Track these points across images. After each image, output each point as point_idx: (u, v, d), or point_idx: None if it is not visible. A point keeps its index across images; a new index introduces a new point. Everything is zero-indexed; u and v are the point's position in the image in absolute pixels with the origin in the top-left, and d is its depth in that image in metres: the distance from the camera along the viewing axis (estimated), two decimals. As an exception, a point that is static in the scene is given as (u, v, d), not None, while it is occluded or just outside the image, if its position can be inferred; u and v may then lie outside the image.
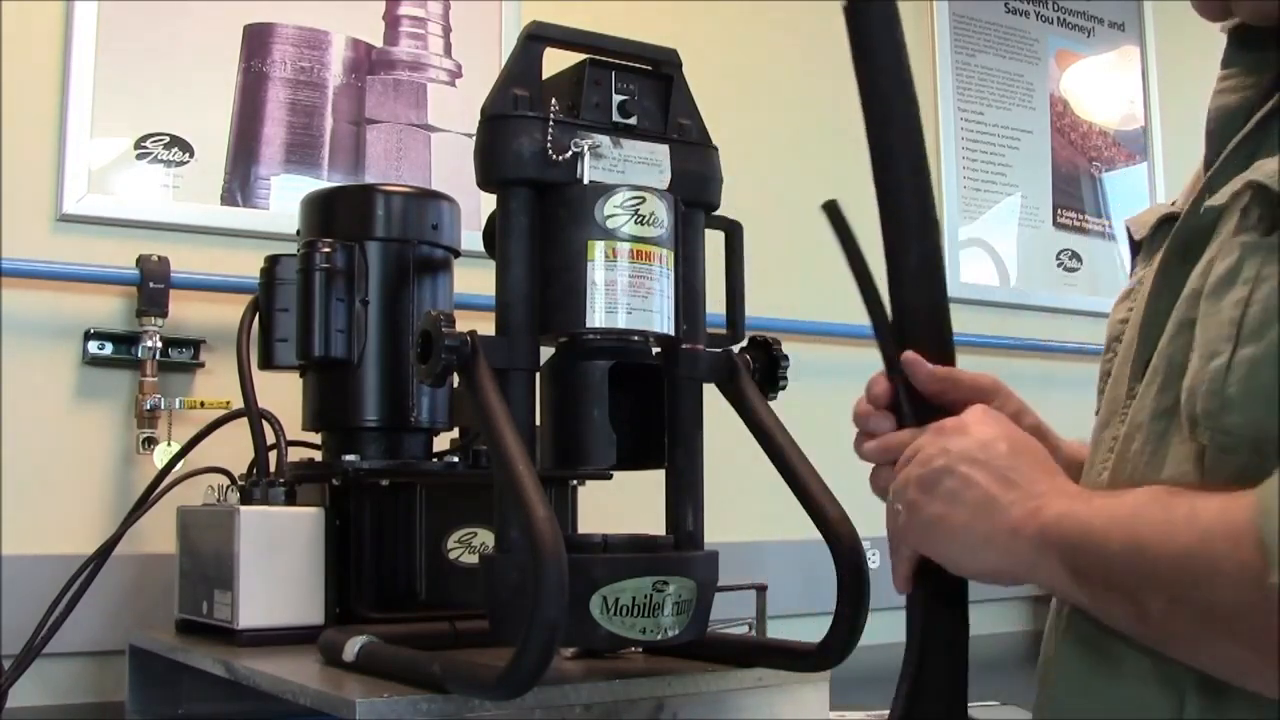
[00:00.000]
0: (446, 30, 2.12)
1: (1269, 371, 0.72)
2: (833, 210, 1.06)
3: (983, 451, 0.84)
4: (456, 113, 2.09)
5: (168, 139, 1.86)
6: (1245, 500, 0.69)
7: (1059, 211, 2.84)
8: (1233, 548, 0.68)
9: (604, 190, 1.12)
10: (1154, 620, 0.74)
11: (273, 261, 1.51)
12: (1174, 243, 0.85)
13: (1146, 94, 3.02)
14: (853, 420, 1.00)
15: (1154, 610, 0.73)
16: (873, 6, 0.94)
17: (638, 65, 1.21)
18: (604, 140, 1.16)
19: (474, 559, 1.41)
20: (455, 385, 1.13)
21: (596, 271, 1.11)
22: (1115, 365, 0.92)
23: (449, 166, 2.06)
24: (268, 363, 1.51)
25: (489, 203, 1.18)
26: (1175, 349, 0.80)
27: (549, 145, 1.13)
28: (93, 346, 1.76)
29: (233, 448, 1.58)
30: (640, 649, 1.20)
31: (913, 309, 0.99)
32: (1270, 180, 0.74)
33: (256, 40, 1.95)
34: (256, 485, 1.42)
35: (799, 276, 2.44)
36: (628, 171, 1.16)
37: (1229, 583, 0.68)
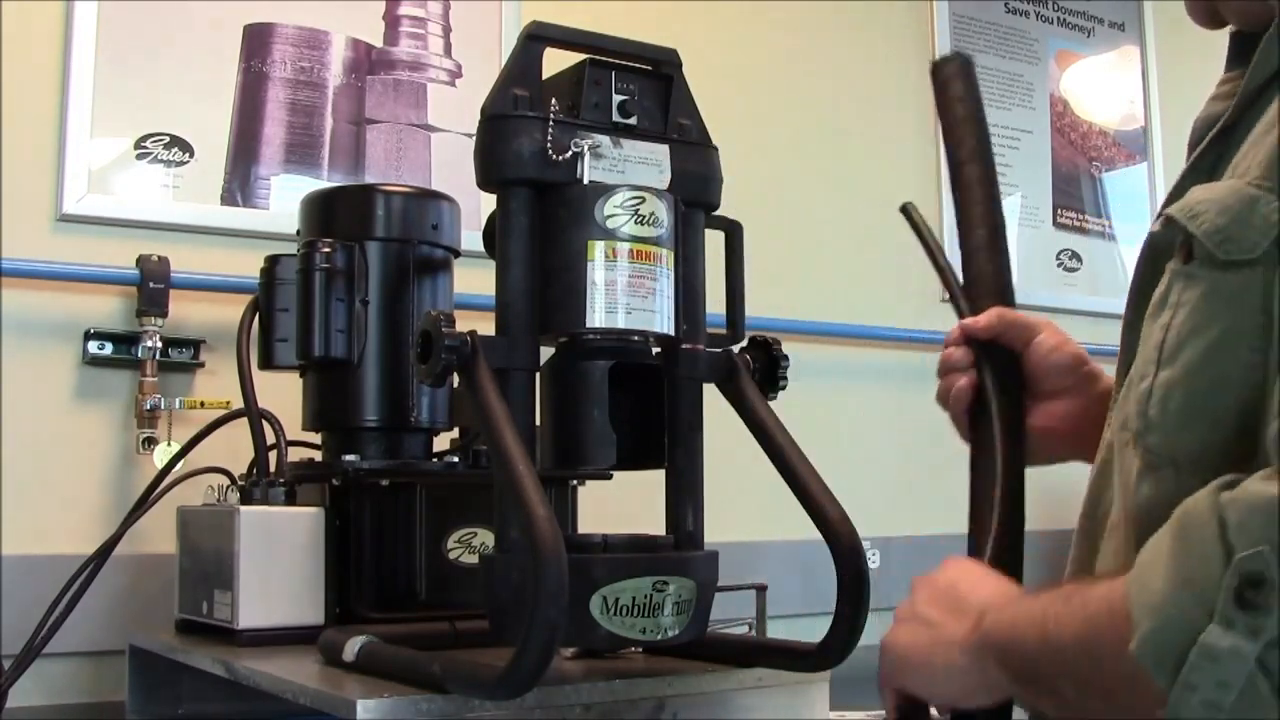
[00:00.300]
0: (446, 30, 2.12)
1: (1179, 393, 0.75)
2: (908, 212, 1.31)
3: (942, 592, 0.90)
4: (456, 113, 2.09)
5: (168, 139, 1.86)
6: (1128, 575, 0.69)
7: (1059, 211, 2.84)
8: (1110, 623, 0.68)
9: (604, 190, 1.12)
10: (1073, 708, 0.75)
11: (273, 261, 1.51)
12: (1142, 257, 0.87)
13: (1146, 94, 3.02)
14: (937, 371, 1.16)
15: (1070, 698, 0.74)
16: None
17: (638, 65, 1.21)
18: (604, 140, 1.16)
19: (474, 559, 1.41)
20: (455, 385, 1.13)
21: (596, 271, 1.11)
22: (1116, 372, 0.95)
23: (449, 166, 2.06)
24: (268, 363, 1.51)
25: (489, 203, 1.18)
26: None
27: (549, 145, 1.13)
28: (93, 346, 1.76)
29: (233, 448, 1.58)
30: (640, 649, 1.20)
31: (979, 276, 1.17)
32: (1180, 214, 0.77)
33: (256, 40, 1.95)
34: (256, 485, 1.42)
35: (799, 276, 2.44)
36: (628, 171, 1.16)
37: (1112, 658, 0.68)
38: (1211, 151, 0.84)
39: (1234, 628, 0.61)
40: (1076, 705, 0.74)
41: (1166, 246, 0.81)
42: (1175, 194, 0.84)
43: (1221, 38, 1.07)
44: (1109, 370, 1.00)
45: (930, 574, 0.93)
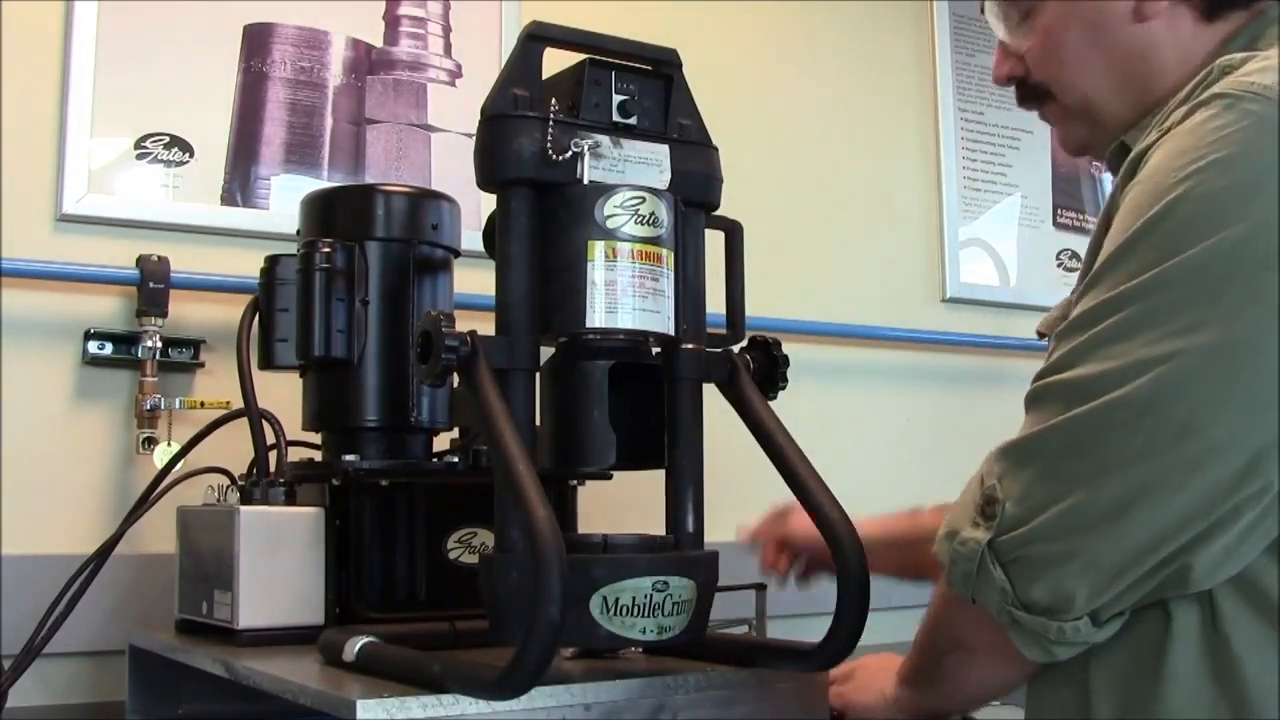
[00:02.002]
0: (446, 30, 2.12)
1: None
2: None
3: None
4: (456, 113, 2.09)
5: (168, 139, 1.86)
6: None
7: (1059, 211, 2.84)
8: (939, 585, 1.06)
9: (604, 190, 1.12)
10: (949, 672, 1.12)
11: (273, 261, 1.51)
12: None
13: (1146, 94, 3.02)
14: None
15: (949, 666, 1.11)
16: None
17: (638, 65, 1.21)
18: (604, 140, 1.16)
19: (474, 559, 1.41)
20: (455, 385, 1.13)
21: (596, 271, 1.11)
22: None
23: (449, 166, 2.06)
24: (268, 363, 1.51)
25: (489, 203, 1.18)
26: None
27: (549, 145, 1.13)
28: (93, 346, 1.76)
29: (233, 448, 1.58)
30: (640, 649, 1.20)
31: None
32: (1044, 327, 1.12)
33: (256, 40, 1.95)
34: (256, 485, 1.42)
35: (799, 276, 2.44)
36: (628, 171, 1.16)
37: (947, 609, 1.08)
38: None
39: (977, 527, 0.95)
40: (941, 668, 1.11)
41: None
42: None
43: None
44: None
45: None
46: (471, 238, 1.42)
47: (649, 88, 1.21)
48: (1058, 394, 0.93)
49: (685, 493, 1.19)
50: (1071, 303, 0.99)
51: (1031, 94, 1.21)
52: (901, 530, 1.41)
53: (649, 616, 1.08)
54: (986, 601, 0.95)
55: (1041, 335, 1.12)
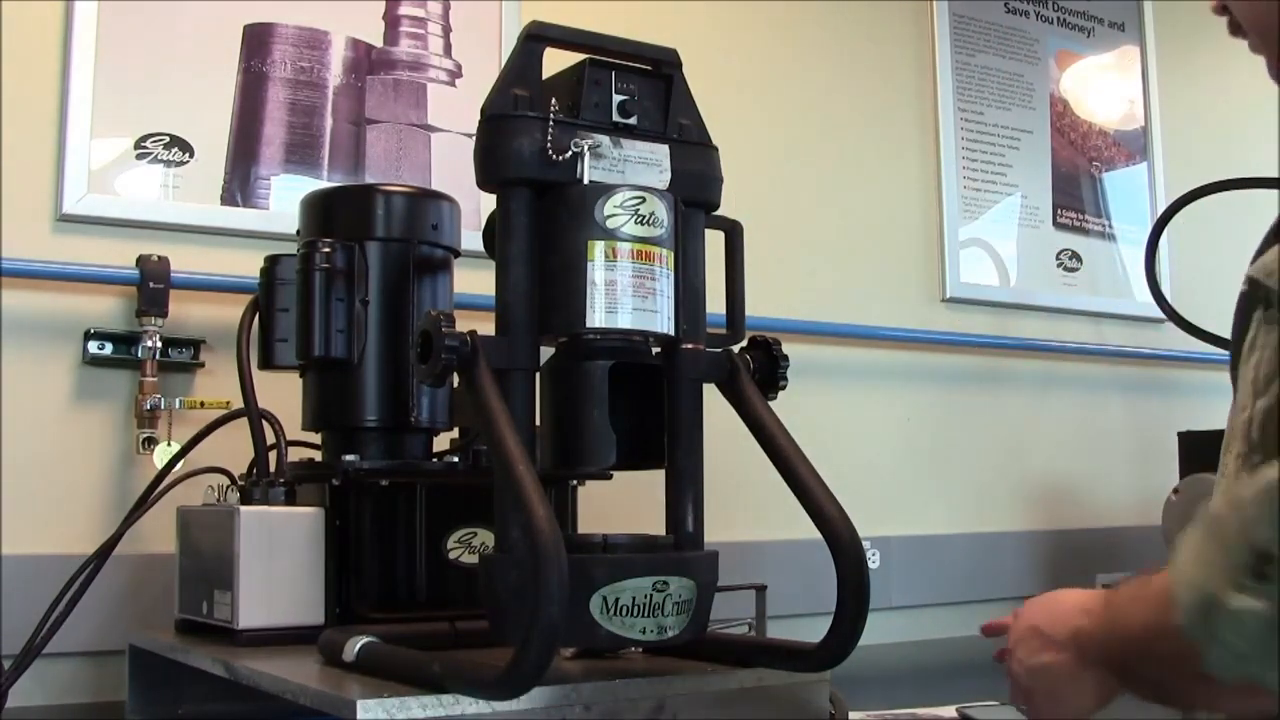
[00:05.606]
0: (446, 30, 2.12)
1: (1276, 416, 0.82)
2: None
3: (1032, 637, 1.04)
4: (456, 113, 2.09)
5: (168, 139, 1.86)
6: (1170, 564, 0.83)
7: (1059, 211, 2.84)
8: (1160, 604, 0.83)
9: (604, 190, 1.12)
10: (1164, 686, 0.89)
11: (273, 261, 1.51)
12: (1237, 311, 0.95)
13: (1146, 94, 3.02)
14: None
15: (1154, 678, 0.89)
16: None
17: (638, 65, 1.21)
18: (604, 140, 1.16)
19: (474, 559, 1.41)
20: (455, 385, 1.13)
21: (597, 271, 1.11)
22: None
23: (449, 166, 2.06)
24: (268, 363, 1.51)
25: (489, 203, 1.18)
26: None
27: (549, 145, 1.13)
28: (93, 346, 1.76)
29: (233, 448, 1.58)
30: (640, 649, 1.20)
31: None
32: (1258, 274, 0.88)
33: (256, 40, 1.95)
34: (256, 485, 1.42)
35: (799, 276, 2.44)
36: (628, 171, 1.16)
37: (1169, 636, 0.81)
38: None
39: (1246, 592, 0.75)
40: (1163, 683, 0.89)
41: (1253, 301, 0.89)
42: (1263, 247, 0.93)
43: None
44: None
45: (1016, 625, 1.06)
46: (471, 238, 1.42)
47: (649, 88, 1.21)
48: None
49: (685, 493, 1.19)
50: None
51: (1231, 24, 1.07)
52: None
53: (649, 616, 1.08)
54: (1270, 685, 0.77)
55: (1257, 283, 0.89)
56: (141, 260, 1.77)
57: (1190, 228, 2.65)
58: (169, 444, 1.75)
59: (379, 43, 2.06)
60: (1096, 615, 0.96)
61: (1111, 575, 2.11)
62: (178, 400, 1.78)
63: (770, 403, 1.22)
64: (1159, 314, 2.52)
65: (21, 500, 1.71)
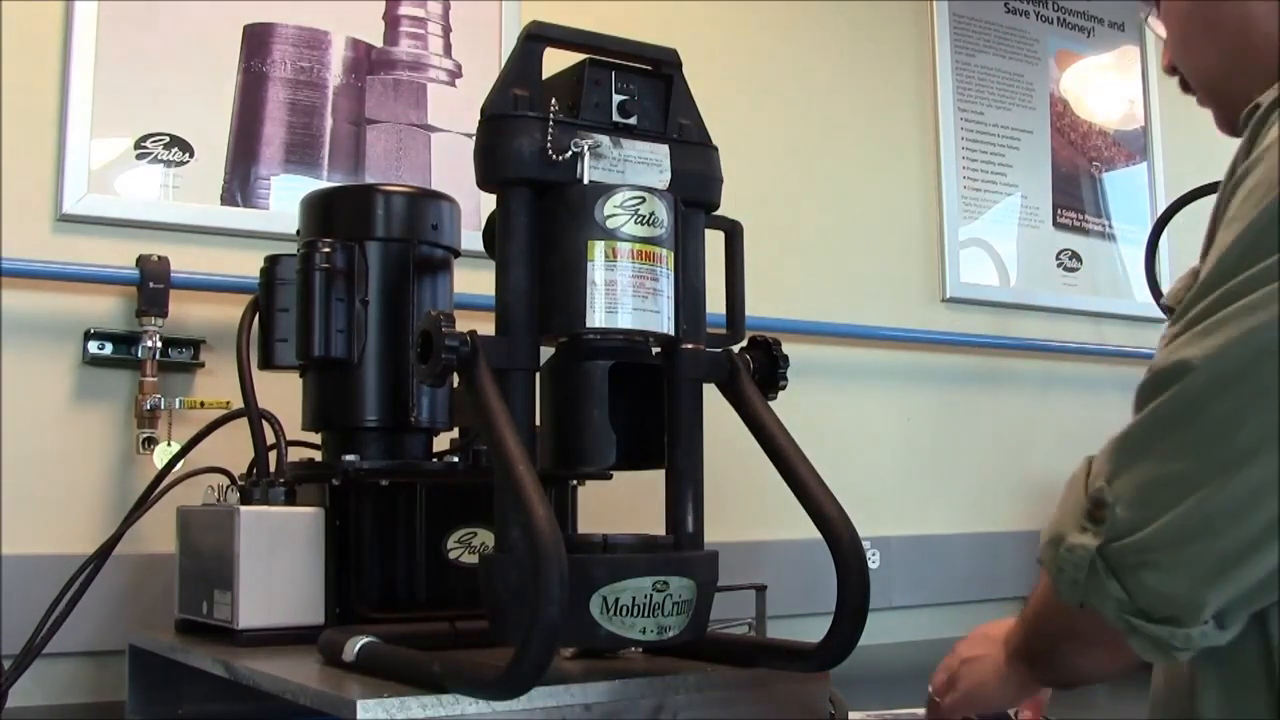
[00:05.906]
0: (446, 30, 2.12)
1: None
2: None
3: (972, 641, 1.24)
4: (456, 113, 2.09)
5: (168, 139, 1.86)
6: None
7: (1059, 211, 2.84)
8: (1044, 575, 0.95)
9: (604, 190, 1.12)
10: (1057, 656, 1.04)
11: (273, 261, 1.51)
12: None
13: (1146, 94, 3.02)
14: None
15: (1049, 648, 1.04)
16: None
17: (638, 65, 1.21)
18: (604, 140, 1.16)
19: (474, 559, 1.41)
20: (455, 385, 1.13)
21: (597, 271, 1.11)
22: None
23: (449, 166, 2.06)
24: (268, 363, 1.51)
25: (489, 203, 1.18)
26: None
27: (549, 145, 1.13)
28: (93, 346, 1.76)
29: (233, 448, 1.58)
30: (640, 649, 1.20)
31: None
32: (1170, 300, 1.01)
33: (256, 40, 1.95)
34: (256, 485, 1.42)
35: (799, 276, 2.44)
36: (628, 171, 1.16)
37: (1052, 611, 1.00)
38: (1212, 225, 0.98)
39: (1084, 532, 0.87)
40: (1054, 655, 1.04)
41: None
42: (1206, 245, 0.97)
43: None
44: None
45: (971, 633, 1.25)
46: (471, 238, 1.42)
47: (649, 88, 1.21)
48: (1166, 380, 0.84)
49: (685, 493, 1.19)
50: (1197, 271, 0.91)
51: (1181, 82, 1.14)
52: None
53: (649, 616, 1.08)
54: (1100, 609, 0.87)
55: (1168, 310, 1.00)
56: (141, 260, 1.78)
57: (1190, 228, 2.65)
58: (169, 444, 1.75)
59: (379, 43, 2.06)
60: (1021, 616, 1.10)
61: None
62: (178, 400, 1.78)
63: (770, 403, 1.22)
64: (1159, 314, 2.51)
65: (21, 500, 1.71)
